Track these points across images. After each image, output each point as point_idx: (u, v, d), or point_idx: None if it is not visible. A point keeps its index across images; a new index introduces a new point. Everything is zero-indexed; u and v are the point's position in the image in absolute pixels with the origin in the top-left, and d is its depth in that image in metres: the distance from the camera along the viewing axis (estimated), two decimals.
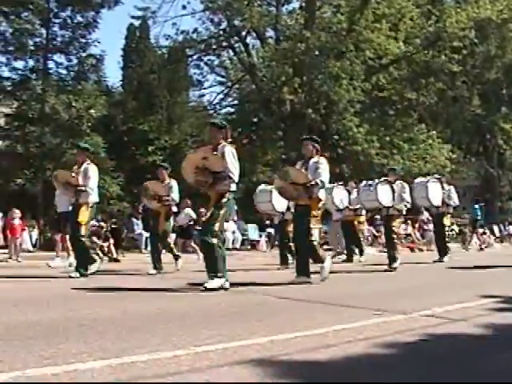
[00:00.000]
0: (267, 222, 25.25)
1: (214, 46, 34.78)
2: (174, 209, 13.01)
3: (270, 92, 30.76)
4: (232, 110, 38.96)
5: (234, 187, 8.44)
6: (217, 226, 8.17)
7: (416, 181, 15.90)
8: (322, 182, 9.30)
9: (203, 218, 8.92)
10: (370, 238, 24.59)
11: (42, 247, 21.16)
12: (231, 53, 36.22)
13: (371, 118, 31.45)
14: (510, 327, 5.23)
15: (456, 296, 7.31)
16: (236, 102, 39.65)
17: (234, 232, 23.41)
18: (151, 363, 3.76)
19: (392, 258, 12.84)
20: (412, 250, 24.30)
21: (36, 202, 23.09)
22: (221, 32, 33.44)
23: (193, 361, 3.84)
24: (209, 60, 36.61)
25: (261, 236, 24.56)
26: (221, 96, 37.80)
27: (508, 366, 3.85)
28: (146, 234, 20.97)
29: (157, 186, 12.36)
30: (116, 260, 17.02)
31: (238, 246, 23.25)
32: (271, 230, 24.01)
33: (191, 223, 19.08)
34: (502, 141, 44.17)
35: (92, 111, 24.44)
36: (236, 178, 8.32)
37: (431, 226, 26.46)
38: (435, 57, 30.79)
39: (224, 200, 8.27)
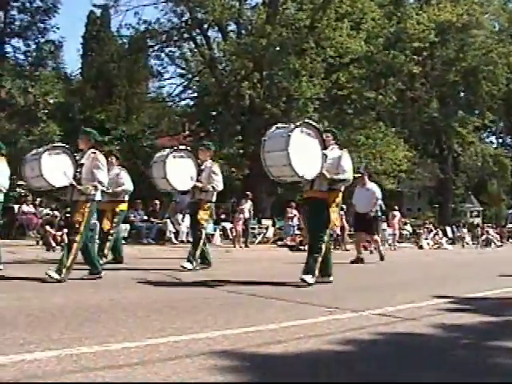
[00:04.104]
0: (222, 216, 25.31)
1: (176, 38, 34.48)
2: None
3: (230, 86, 30.72)
4: (191, 102, 38.85)
5: None
6: None
7: (156, 155, 11.51)
8: None
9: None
10: None
11: None
12: (192, 45, 36.02)
13: (330, 115, 31.57)
14: (459, 327, 5.29)
15: (407, 295, 7.38)
16: (195, 94, 39.51)
17: (188, 226, 23.32)
18: (100, 355, 3.72)
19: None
20: (366, 248, 24.44)
21: None
22: (183, 24, 33.21)
23: (142, 353, 3.81)
24: (170, 51, 36.30)
25: (215, 230, 24.51)
26: (180, 88, 37.58)
27: (455, 363, 3.90)
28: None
29: None
30: None
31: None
32: (226, 224, 24.02)
33: None
34: (458, 144, 44.75)
35: (49, 98, 24.11)
36: None
37: (384, 224, 26.82)
38: (395, 57, 31.02)
39: None
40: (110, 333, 4.43)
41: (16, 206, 19.46)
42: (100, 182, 8.50)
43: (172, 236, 21.38)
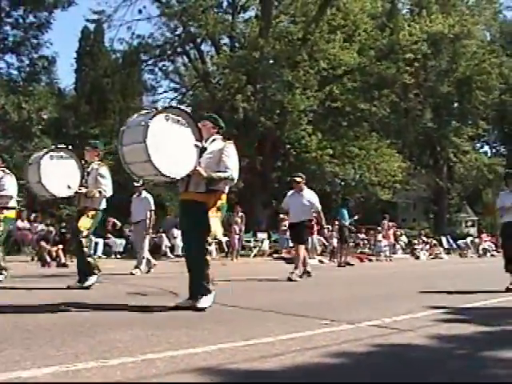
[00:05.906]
0: None
1: (169, 52, 34.67)
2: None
3: (224, 99, 30.78)
4: None
5: None
6: None
7: (32, 156, 9.64)
8: None
9: None
10: (318, 248, 24.66)
11: None
12: (186, 59, 36.18)
13: (324, 127, 31.65)
14: (455, 338, 5.29)
15: (404, 307, 7.36)
16: (189, 108, 39.60)
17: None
18: (96, 371, 3.70)
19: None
20: (362, 260, 24.47)
21: None
22: (176, 38, 33.36)
23: (139, 368, 3.79)
24: (163, 66, 36.55)
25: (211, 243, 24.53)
26: (174, 102, 37.65)
27: (453, 374, 3.89)
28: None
29: None
30: (64, 265, 16.76)
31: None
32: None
33: None
34: (452, 154, 44.86)
35: (43, 113, 24.12)
36: None
37: (380, 235, 26.86)
38: (388, 68, 31.16)
39: None
40: (106, 348, 4.40)
41: None
42: None
43: (167, 250, 21.42)
